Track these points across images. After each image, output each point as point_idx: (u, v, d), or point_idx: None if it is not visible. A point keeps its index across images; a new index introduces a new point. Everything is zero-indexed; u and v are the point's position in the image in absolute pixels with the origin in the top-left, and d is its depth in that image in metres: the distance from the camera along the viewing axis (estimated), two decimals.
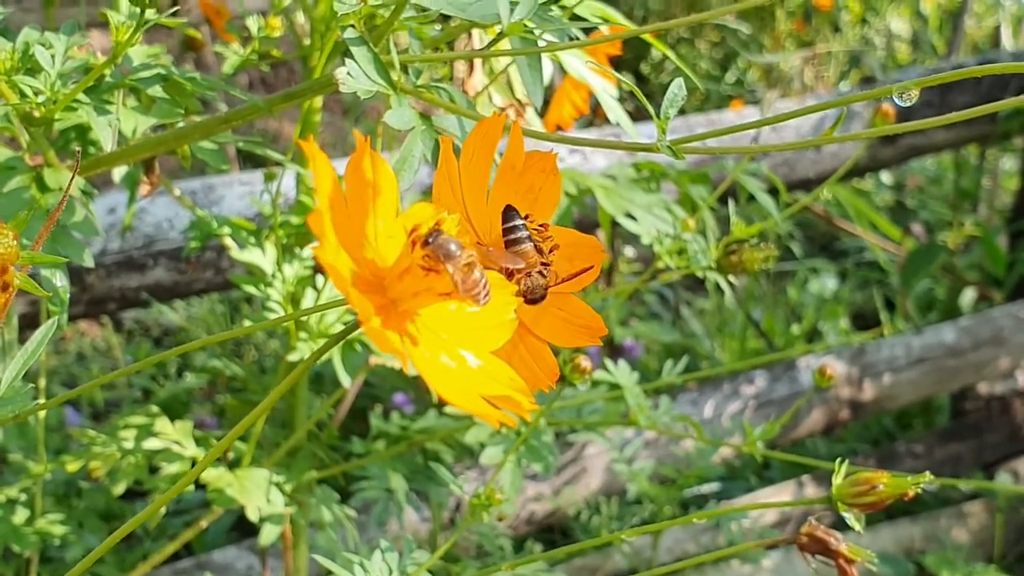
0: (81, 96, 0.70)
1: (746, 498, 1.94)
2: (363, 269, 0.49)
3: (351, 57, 0.64)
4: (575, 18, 0.77)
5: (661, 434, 1.34)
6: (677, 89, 0.58)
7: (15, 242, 0.42)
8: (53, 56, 0.69)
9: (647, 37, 0.88)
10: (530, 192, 0.61)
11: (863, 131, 0.54)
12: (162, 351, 2.14)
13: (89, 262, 0.72)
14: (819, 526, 0.63)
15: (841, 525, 0.67)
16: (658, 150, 0.57)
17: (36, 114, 0.69)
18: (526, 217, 0.58)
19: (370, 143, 0.49)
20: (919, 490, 0.59)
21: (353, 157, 0.48)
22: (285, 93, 0.72)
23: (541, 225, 0.59)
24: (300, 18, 1.13)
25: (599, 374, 1.09)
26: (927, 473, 0.59)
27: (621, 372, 1.12)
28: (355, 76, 0.63)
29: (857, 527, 0.61)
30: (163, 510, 1.04)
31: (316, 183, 0.46)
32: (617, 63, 1.23)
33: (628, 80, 0.63)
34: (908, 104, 0.46)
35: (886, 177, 3.22)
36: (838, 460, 0.64)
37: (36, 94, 0.68)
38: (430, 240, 0.48)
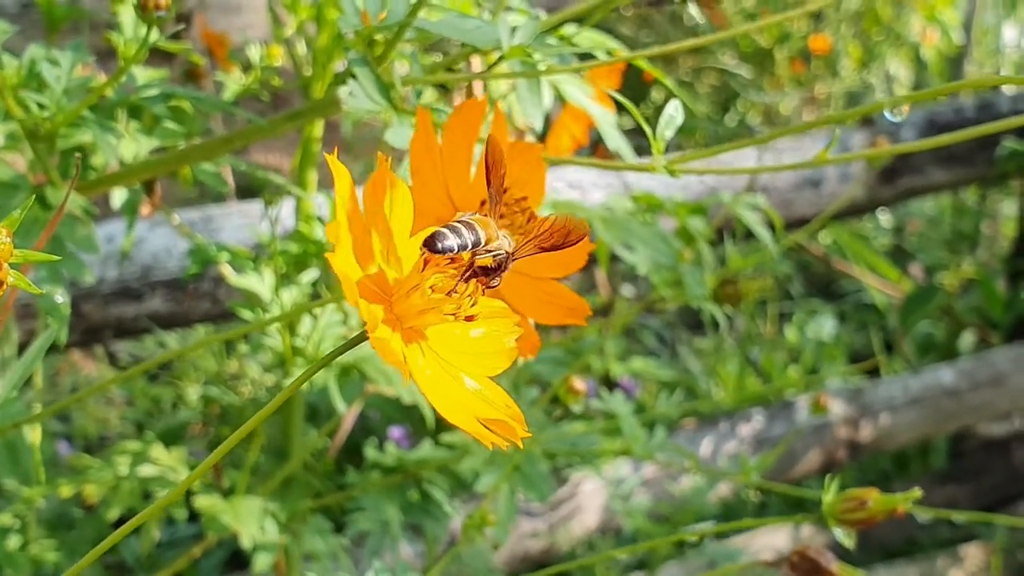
0: (85, 113, 0.70)
1: (742, 537, 1.93)
2: (373, 283, 0.51)
3: (354, 78, 0.65)
4: (574, 47, 0.78)
5: (657, 462, 1.34)
6: (673, 111, 0.59)
7: (8, 239, 0.42)
8: (59, 74, 0.70)
9: (652, 69, 0.89)
10: (515, 184, 0.60)
11: (862, 153, 0.55)
12: (157, 385, 2.13)
13: (89, 278, 0.72)
14: (810, 546, 0.63)
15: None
16: (655, 169, 0.57)
17: (41, 130, 0.70)
18: (505, 191, 0.56)
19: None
20: (908, 507, 0.59)
21: (373, 175, 0.49)
22: (288, 113, 0.72)
23: (522, 198, 0.57)
24: (301, 49, 1.15)
25: (594, 402, 1.10)
26: (916, 489, 0.59)
27: (616, 400, 1.12)
28: (356, 96, 0.64)
29: (847, 543, 0.61)
30: (156, 537, 1.04)
31: (336, 194, 0.47)
32: (616, 106, 1.24)
33: (627, 120, 0.64)
34: (899, 119, 0.47)
35: (885, 221, 3.24)
36: (827, 476, 0.64)
37: (41, 108, 0.69)
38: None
